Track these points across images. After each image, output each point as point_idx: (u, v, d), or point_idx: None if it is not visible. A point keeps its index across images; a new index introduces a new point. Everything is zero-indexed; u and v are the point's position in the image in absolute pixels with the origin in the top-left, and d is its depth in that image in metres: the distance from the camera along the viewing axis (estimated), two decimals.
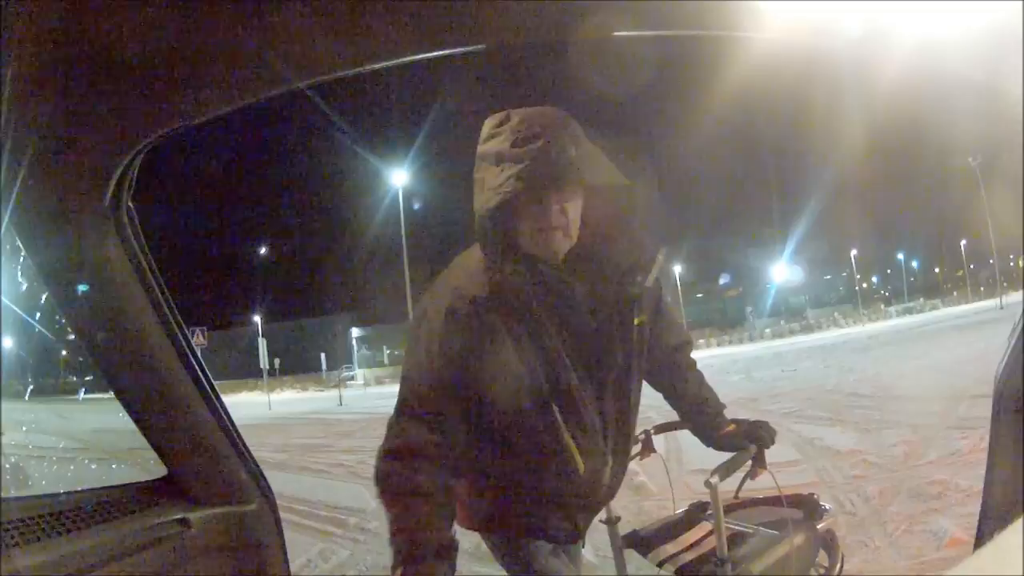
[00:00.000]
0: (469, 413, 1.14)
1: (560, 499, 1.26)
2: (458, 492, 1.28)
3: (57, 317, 1.02)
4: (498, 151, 1.08)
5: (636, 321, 1.21)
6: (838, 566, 1.62)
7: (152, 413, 1.07)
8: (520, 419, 1.15)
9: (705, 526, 1.64)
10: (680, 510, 1.75)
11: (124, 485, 1.10)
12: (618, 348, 1.20)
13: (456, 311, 1.10)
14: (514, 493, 1.26)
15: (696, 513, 1.72)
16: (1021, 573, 0.34)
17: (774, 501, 1.61)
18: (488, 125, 1.12)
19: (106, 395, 1.10)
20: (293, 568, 1.22)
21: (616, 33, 0.73)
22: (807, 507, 1.62)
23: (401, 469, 1.10)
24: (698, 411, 1.42)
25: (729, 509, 1.57)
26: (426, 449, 1.09)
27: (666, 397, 1.47)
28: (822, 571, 1.62)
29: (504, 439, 1.19)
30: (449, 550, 1.09)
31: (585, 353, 1.18)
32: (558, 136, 1.06)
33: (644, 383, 1.36)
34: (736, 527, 1.56)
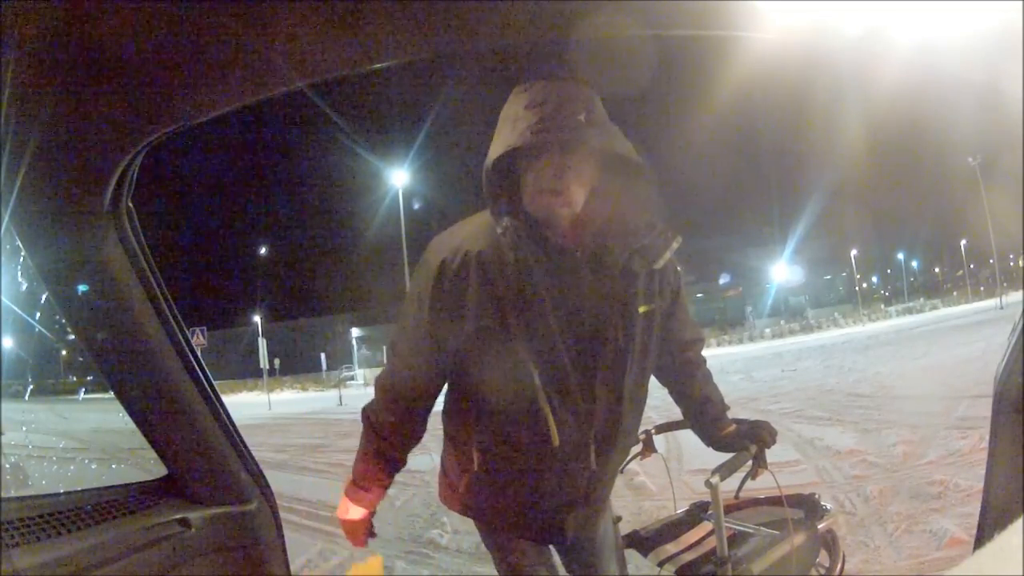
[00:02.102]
0: (450, 372, 1.22)
1: (537, 485, 1.22)
2: (448, 473, 1.35)
3: (57, 317, 1.02)
4: (514, 112, 1.10)
5: (641, 308, 1.17)
6: (839, 566, 1.62)
7: (152, 413, 1.07)
8: (498, 387, 1.15)
9: (705, 526, 1.64)
10: (680, 510, 1.76)
11: (124, 485, 1.10)
12: (615, 331, 1.16)
13: (449, 262, 1.13)
14: (491, 473, 1.23)
15: (696, 513, 1.72)
16: (1021, 573, 0.34)
17: (775, 501, 1.61)
18: (514, 91, 1.14)
19: (106, 395, 1.09)
20: (293, 568, 1.22)
21: (616, 33, 0.73)
22: (808, 507, 1.62)
23: (380, 402, 1.24)
24: (701, 410, 1.40)
25: (729, 509, 1.57)
26: (403, 388, 1.22)
27: (671, 393, 1.44)
28: (823, 571, 1.63)
29: (481, 408, 1.20)
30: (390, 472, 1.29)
31: (577, 329, 1.14)
32: (568, 102, 1.07)
33: (652, 379, 1.33)
34: (736, 527, 1.56)
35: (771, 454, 1.39)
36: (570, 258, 1.14)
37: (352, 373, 32.80)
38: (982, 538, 1.03)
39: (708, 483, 1.33)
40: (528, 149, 1.08)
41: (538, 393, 1.12)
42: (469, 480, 1.27)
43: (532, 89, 1.11)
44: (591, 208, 1.14)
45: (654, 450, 1.67)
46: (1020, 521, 0.38)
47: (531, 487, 1.23)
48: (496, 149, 1.09)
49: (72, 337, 1.03)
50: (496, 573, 1.36)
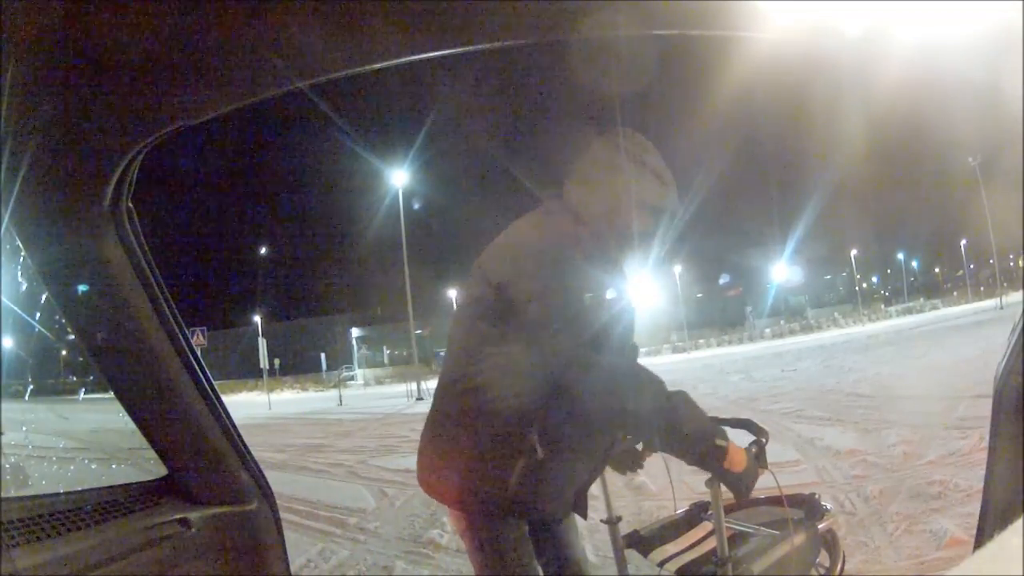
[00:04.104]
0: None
1: (593, 458, 1.39)
2: (487, 471, 1.34)
3: (57, 317, 1.02)
4: (658, 169, 1.36)
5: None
6: (839, 566, 1.62)
7: (152, 413, 1.07)
8: (598, 363, 1.25)
9: (705, 526, 1.64)
10: (680, 510, 1.76)
11: (124, 485, 1.10)
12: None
13: (556, 250, 1.27)
14: (563, 453, 1.31)
15: (696, 513, 1.72)
16: (1021, 573, 0.34)
17: (775, 501, 1.61)
18: (643, 140, 1.37)
19: (106, 395, 1.10)
20: (293, 568, 1.22)
21: (616, 33, 0.73)
22: (808, 507, 1.62)
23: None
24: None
25: (729, 509, 1.57)
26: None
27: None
28: (823, 571, 1.62)
29: (569, 390, 1.26)
30: None
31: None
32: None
33: None
34: (737, 527, 1.56)
35: (771, 454, 1.39)
36: (621, 268, 1.39)
37: (352, 373, 32.79)
38: (982, 538, 1.03)
39: (708, 483, 1.33)
40: (655, 207, 1.35)
41: (614, 370, 1.26)
42: (529, 469, 1.29)
43: (658, 157, 1.37)
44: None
45: (654, 450, 1.66)
46: (1020, 521, 0.38)
47: (589, 462, 1.40)
48: (644, 196, 1.33)
49: (72, 337, 1.03)
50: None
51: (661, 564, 1.55)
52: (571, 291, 1.24)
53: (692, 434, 1.24)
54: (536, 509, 1.38)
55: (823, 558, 1.62)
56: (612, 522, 1.63)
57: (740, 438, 1.42)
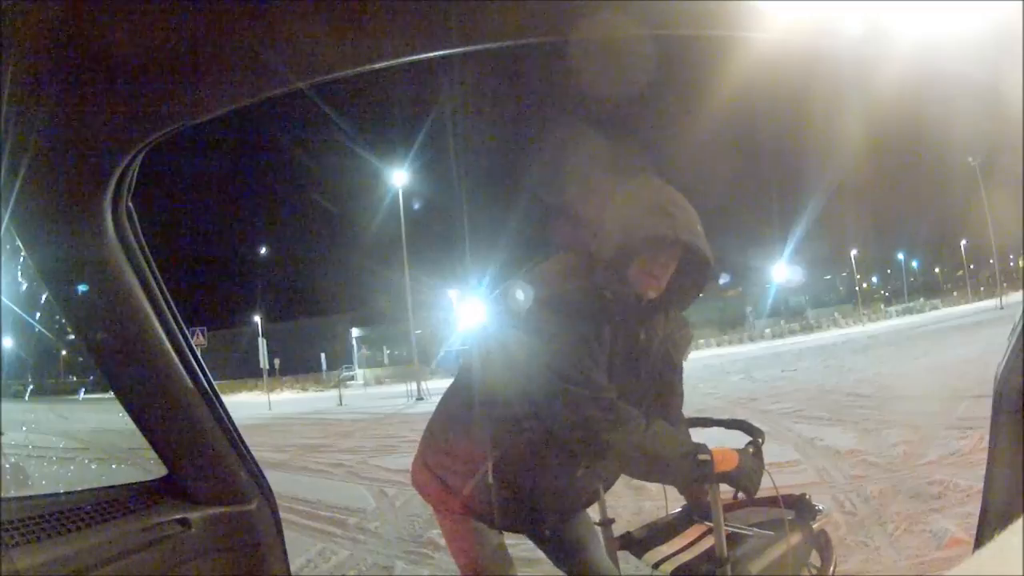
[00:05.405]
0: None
1: (572, 479, 1.43)
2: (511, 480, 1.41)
3: (57, 317, 1.02)
4: (658, 201, 1.33)
5: (674, 363, 1.48)
6: (831, 567, 1.62)
7: (152, 413, 1.07)
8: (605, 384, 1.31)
9: (698, 527, 1.64)
10: (674, 511, 1.75)
11: (124, 485, 1.10)
12: (658, 369, 1.45)
13: (572, 292, 1.33)
14: (567, 459, 1.39)
15: (689, 514, 1.72)
16: (1021, 573, 0.34)
17: (768, 502, 1.61)
18: (651, 178, 1.40)
19: (106, 395, 1.10)
20: (293, 568, 1.23)
21: (616, 33, 0.74)
22: (799, 507, 1.62)
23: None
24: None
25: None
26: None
27: None
28: (814, 571, 1.62)
29: (588, 408, 1.30)
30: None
31: (636, 365, 1.40)
32: (694, 212, 1.35)
33: None
34: (730, 528, 1.56)
35: (772, 454, 1.39)
36: (636, 305, 1.38)
37: (352, 373, 32.73)
38: (982, 538, 1.03)
39: (707, 484, 1.33)
40: (662, 241, 1.31)
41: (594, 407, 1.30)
42: (550, 475, 1.41)
43: (671, 189, 1.35)
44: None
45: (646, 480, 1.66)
46: (1020, 521, 0.38)
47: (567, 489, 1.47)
48: (644, 230, 1.30)
49: (72, 337, 1.03)
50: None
51: (655, 566, 1.55)
52: (575, 334, 1.29)
53: (674, 465, 1.31)
54: (509, 521, 1.44)
55: (815, 558, 1.62)
56: (605, 524, 1.63)
57: (739, 438, 1.42)
